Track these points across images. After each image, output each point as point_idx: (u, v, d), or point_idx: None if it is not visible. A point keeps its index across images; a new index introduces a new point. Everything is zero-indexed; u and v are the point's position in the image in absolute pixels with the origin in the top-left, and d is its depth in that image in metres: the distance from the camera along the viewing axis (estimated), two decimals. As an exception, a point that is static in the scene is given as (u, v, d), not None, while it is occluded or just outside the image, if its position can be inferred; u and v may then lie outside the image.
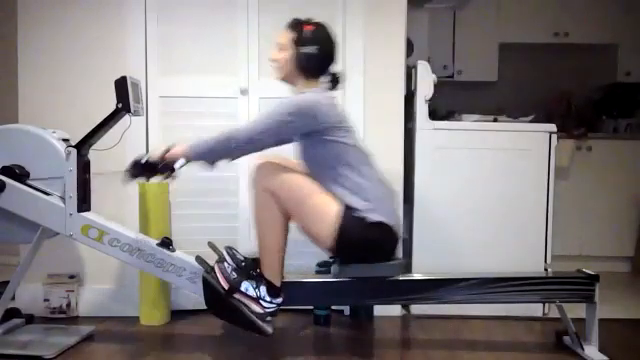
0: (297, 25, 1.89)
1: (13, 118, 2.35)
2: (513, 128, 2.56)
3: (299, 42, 1.86)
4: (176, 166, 1.85)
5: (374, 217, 1.79)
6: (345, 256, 1.86)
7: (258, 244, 1.86)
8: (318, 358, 2.01)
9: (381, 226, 1.80)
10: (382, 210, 1.81)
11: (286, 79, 1.94)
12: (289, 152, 2.02)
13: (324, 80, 1.94)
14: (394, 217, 1.86)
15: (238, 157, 1.91)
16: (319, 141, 1.83)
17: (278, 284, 1.83)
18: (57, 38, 2.42)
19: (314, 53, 1.85)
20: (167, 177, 1.89)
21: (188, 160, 1.85)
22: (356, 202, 1.80)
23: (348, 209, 1.79)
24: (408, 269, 2.50)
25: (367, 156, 1.91)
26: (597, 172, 3.53)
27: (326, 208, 1.79)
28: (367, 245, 1.81)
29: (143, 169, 1.86)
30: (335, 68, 1.95)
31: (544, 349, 2.10)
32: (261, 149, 1.89)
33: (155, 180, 1.95)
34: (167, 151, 1.86)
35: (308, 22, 1.90)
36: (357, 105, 2.47)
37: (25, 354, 1.91)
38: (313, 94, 1.85)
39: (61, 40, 2.42)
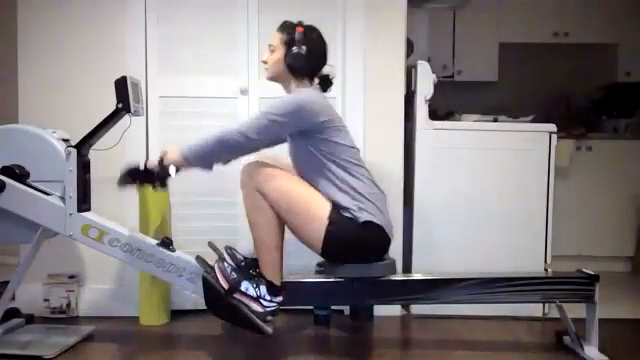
0: (288, 27, 1.91)
1: (13, 118, 2.35)
2: (513, 128, 2.56)
3: (290, 43, 1.87)
4: (171, 173, 1.84)
5: (364, 217, 1.79)
6: (335, 256, 1.86)
7: (254, 245, 1.86)
8: (318, 358, 2.01)
9: (371, 226, 1.80)
10: (373, 210, 1.81)
11: (277, 80, 1.95)
12: (280, 151, 2.02)
13: (315, 82, 1.96)
14: (385, 217, 1.86)
15: (234, 159, 1.91)
16: (312, 139, 1.83)
17: (278, 283, 1.83)
18: (57, 38, 2.42)
19: (304, 54, 1.87)
20: (161, 185, 1.88)
21: (183, 166, 1.84)
22: (346, 201, 1.80)
23: (338, 209, 1.80)
24: (408, 269, 2.50)
25: (359, 156, 1.92)
26: (597, 172, 3.53)
27: (316, 210, 1.80)
28: (357, 245, 1.82)
29: (139, 176, 1.86)
30: (326, 70, 1.97)
31: (544, 349, 2.10)
32: (256, 150, 1.90)
33: (148, 188, 1.93)
34: (162, 158, 1.85)
35: (299, 24, 1.91)
36: (357, 105, 2.47)
37: (25, 354, 1.91)
38: (309, 93, 1.86)
39: (61, 40, 2.42)
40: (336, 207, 1.80)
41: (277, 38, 1.91)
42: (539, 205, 2.48)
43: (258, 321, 1.77)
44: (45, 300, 2.40)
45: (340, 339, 2.25)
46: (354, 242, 1.80)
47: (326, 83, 1.97)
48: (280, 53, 1.90)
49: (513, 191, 2.48)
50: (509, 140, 2.49)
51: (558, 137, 2.51)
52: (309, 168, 1.87)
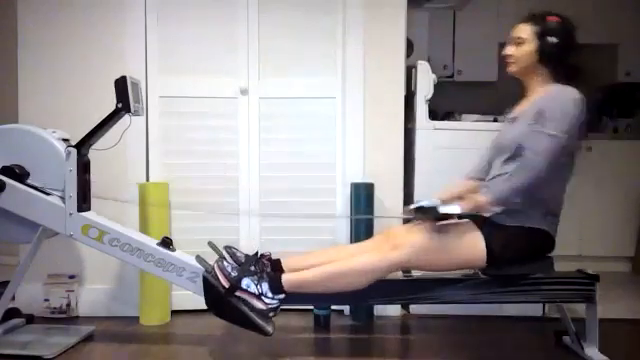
0: (539, 17, 1.86)
1: (13, 118, 2.35)
2: (513, 128, 2.55)
3: (543, 34, 1.83)
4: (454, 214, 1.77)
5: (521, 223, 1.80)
6: (500, 263, 1.83)
7: (324, 276, 1.80)
8: (318, 358, 2.01)
9: (535, 231, 1.81)
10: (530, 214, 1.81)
11: (523, 74, 1.90)
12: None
13: (560, 72, 1.88)
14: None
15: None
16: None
17: (287, 290, 1.82)
18: (57, 39, 2.42)
19: (560, 44, 1.82)
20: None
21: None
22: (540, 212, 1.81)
23: (493, 226, 1.79)
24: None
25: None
26: (597, 172, 3.53)
27: (469, 241, 1.78)
28: (523, 250, 1.82)
29: (433, 215, 1.77)
30: (574, 60, 1.89)
31: (544, 349, 2.10)
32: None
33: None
34: (466, 200, 1.79)
35: (550, 13, 1.87)
36: (357, 105, 2.47)
37: (25, 354, 1.91)
38: (573, 90, 1.82)
39: (61, 41, 2.42)
40: (489, 224, 1.80)
41: (526, 30, 1.86)
42: (539, 205, 2.47)
43: (259, 320, 1.76)
44: (45, 300, 2.40)
45: (340, 339, 2.25)
46: (517, 249, 1.82)
47: (577, 73, 1.90)
48: (531, 45, 1.84)
49: (513, 191, 2.47)
50: (509, 140, 2.49)
51: (558, 137, 2.51)
52: (513, 156, 1.82)
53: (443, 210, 1.75)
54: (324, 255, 1.92)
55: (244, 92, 2.49)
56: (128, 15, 2.42)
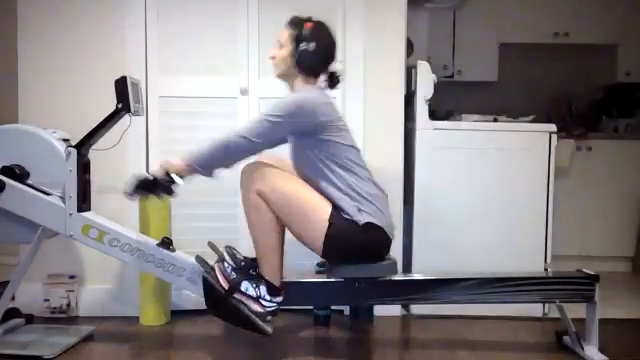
0: (297, 22, 1.89)
1: (13, 118, 2.35)
2: (513, 128, 2.56)
3: (299, 39, 1.85)
4: (177, 181, 1.82)
5: (365, 218, 1.79)
6: (336, 258, 1.86)
7: (255, 246, 1.85)
8: (318, 358, 2.01)
9: (372, 227, 1.79)
10: (373, 211, 1.81)
11: (284, 76, 1.93)
12: (281, 152, 2.00)
13: (323, 79, 1.93)
14: (385, 218, 1.85)
15: (236, 163, 1.89)
16: (312, 140, 1.82)
17: (277, 284, 1.83)
18: (57, 39, 2.42)
19: (313, 50, 1.84)
20: (168, 194, 1.86)
21: (186, 174, 1.83)
22: (347, 203, 1.80)
23: (339, 211, 1.79)
24: (408, 269, 2.50)
25: (359, 156, 1.91)
26: (597, 172, 3.53)
27: (317, 213, 1.79)
28: (358, 247, 1.81)
29: (149, 187, 1.83)
30: (334, 67, 1.95)
31: (544, 349, 2.10)
32: (258, 152, 1.89)
33: (153, 199, 1.92)
34: (166, 167, 1.83)
35: (308, 20, 1.90)
36: (357, 105, 2.47)
37: (25, 354, 1.91)
38: (310, 92, 1.85)
39: (61, 41, 2.42)
40: (336, 209, 1.80)
41: (285, 34, 1.89)
42: (539, 205, 2.48)
43: (258, 321, 1.77)
44: (45, 300, 2.40)
45: (340, 339, 2.25)
46: (354, 244, 1.80)
47: (333, 80, 1.95)
48: (288, 49, 1.88)
49: (513, 191, 2.48)
50: (509, 140, 2.49)
51: (558, 137, 2.51)
52: (309, 168, 1.86)
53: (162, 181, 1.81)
54: None
55: (244, 92, 2.49)
56: (128, 15, 2.42)
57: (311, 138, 1.82)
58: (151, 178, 1.83)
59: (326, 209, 1.79)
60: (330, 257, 1.86)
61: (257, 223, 1.82)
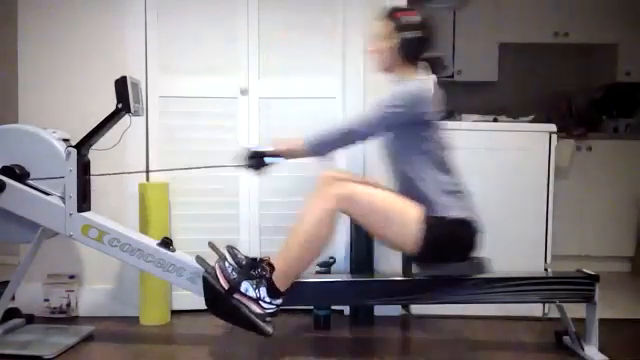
0: (394, 13, 1.90)
1: (13, 118, 2.35)
2: (513, 128, 2.55)
3: (400, 29, 1.86)
4: (279, 161, 1.92)
5: (455, 214, 1.80)
6: (427, 256, 1.84)
7: (292, 253, 1.81)
8: (318, 358, 2.01)
9: (462, 223, 1.81)
10: (467, 207, 1.83)
11: (388, 69, 1.93)
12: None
13: (422, 65, 1.93)
14: (474, 212, 1.86)
15: (345, 149, 1.93)
16: (414, 135, 1.82)
17: (283, 290, 1.82)
18: (57, 39, 2.42)
19: (417, 38, 1.86)
20: (258, 171, 1.95)
21: (301, 156, 1.91)
22: (443, 199, 1.81)
23: (431, 208, 1.79)
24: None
25: (449, 150, 1.91)
26: (597, 172, 3.53)
27: (407, 215, 1.78)
28: (449, 243, 1.81)
29: (261, 160, 1.93)
30: (433, 51, 1.94)
31: (544, 349, 2.10)
32: (369, 139, 1.91)
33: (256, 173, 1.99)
34: (280, 145, 1.91)
35: (404, 9, 1.92)
36: (357, 105, 2.47)
37: (25, 354, 1.91)
38: (425, 83, 1.84)
39: (61, 41, 2.42)
40: (428, 206, 1.79)
41: (384, 26, 1.89)
42: (539, 205, 2.48)
43: (258, 321, 1.77)
44: (45, 300, 2.40)
45: (340, 339, 2.25)
46: (445, 241, 1.80)
47: (436, 65, 1.96)
48: (392, 41, 1.87)
49: (513, 191, 2.48)
50: (509, 140, 2.49)
51: (558, 137, 2.51)
52: (404, 160, 1.86)
53: (268, 161, 1.93)
54: None
55: (244, 92, 2.49)
56: (128, 15, 2.42)
57: (414, 130, 1.82)
58: (260, 152, 1.92)
59: (416, 209, 1.79)
60: (425, 256, 1.84)
61: (313, 234, 1.78)
